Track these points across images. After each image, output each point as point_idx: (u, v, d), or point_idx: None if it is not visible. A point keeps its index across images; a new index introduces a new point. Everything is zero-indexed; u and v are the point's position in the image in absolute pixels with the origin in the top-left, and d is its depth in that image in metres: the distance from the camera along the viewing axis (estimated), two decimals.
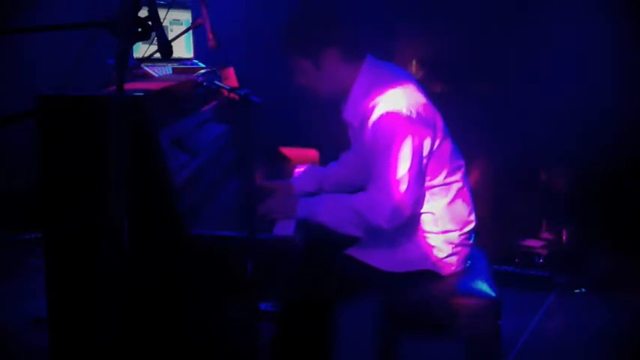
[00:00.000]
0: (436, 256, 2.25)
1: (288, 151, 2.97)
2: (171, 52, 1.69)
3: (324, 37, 2.22)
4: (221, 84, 2.31)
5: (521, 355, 2.95)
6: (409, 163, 2.11)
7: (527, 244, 3.72)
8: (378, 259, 2.24)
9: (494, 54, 3.61)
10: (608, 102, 3.35)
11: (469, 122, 3.33)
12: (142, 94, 1.78)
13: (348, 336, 2.15)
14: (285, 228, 2.11)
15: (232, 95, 2.03)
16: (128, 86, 1.74)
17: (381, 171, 2.14)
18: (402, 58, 3.79)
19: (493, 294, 2.19)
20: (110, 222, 1.59)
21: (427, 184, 2.22)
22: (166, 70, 2.85)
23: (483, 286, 2.22)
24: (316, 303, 2.16)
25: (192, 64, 3.03)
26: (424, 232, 2.25)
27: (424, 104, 2.20)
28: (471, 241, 2.33)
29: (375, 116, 2.14)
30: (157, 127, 1.80)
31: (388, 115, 2.12)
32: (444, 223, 2.25)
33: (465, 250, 2.30)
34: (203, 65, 2.98)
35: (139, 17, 1.52)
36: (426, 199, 2.24)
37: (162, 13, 1.72)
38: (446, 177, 2.24)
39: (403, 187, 2.11)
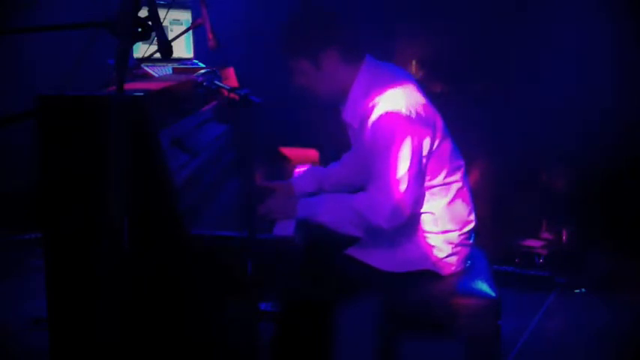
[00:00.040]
0: (436, 256, 2.25)
1: (288, 151, 2.97)
2: (171, 52, 1.69)
3: (324, 37, 2.22)
4: (221, 84, 2.31)
5: (521, 355, 2.95)
6: (409, 163, 2.11)
7: (527, 244, 3.72)
8: (378, 259, 2.24)
9: (494, 54, 3.61)
10: (608, 102, 3.35)
11: (469, 122, 3.33)
12: (142, 94, 1.78)
13: (348, 336, 2.15)
14: (285, 228, 2.11)
15: (232, 95, 2.03)
16: (128, 86, 1.74)
17: (380, 171, 2.14)
18: (402, 58, 3.79)
19: (493, 294, 2.19)
20: (110, 222, 1.59)
21: (427, 184, 2.22)
22: (166, 70, 2.84)
23: (483, 286, 2.22)
24: (316, 303, 2.16)
25: (192, 64, 3.03)
26: (424, 232, 2.25)
27: (424, 104, 2.20)
28: (470, 241, 2.33)
29: (374, 116, 2.14)
30: (157, 127, 1.80)
31: (388, 115, 2.12)
32: (443, 223, 2.25)
33: (465, 250, 2.30)
34: (203, 65, 2.98)
35: (139, 17, 1.52)
36: (426, 199, 2.24)
37: (162, 13, 1.72)
38: (445, 177, 2.24)
39: (403, 186, 2.11)
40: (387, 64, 2.33)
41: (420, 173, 2.17)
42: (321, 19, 2.26)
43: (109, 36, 1.50)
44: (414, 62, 3.82)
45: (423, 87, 2.29)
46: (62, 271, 1.81)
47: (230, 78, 2.89)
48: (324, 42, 2.21)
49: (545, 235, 3.72)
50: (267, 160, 2.87)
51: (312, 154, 2.97)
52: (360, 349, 2.17)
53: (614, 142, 3.41)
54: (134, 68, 2.50)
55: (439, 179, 2.24)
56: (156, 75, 2.75)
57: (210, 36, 2.72)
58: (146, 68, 2.75)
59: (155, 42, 1.65)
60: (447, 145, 2.27)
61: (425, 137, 2.17)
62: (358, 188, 2.28)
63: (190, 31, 3.05)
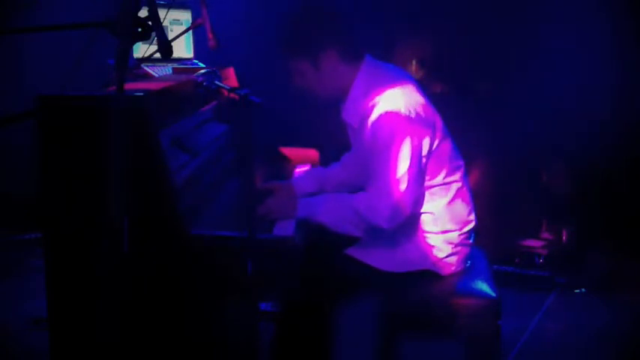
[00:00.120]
0: (436, 256, 2.25)
1: (288, 151, 2.97)
2: (171, 52, 1.69)
3: (323, 37, 2.22)
4: (221, 84, 2.31)
5: (521, 355, 2.95)
6: (408, 163, 2.12)
7: (527, 244, 3.72)
8: (378, 259, 2.24)
9: (494, 54, 3.61)
10: (608, 102, 3.35)
11: (469, 122, 3.33)
12: (142, 94, 1.78)
13: (348, 336, 2.15)
14: (285, 228, 2.11)
15: (232, 95, 2.03)
16: (128, 86, 1.74)
17: (380, 171, 2.14)
18: (402, 58, 3.79)
19: (493, 294, 2.19)
20: (110, 222, 1.59)
21: (426, 183, 2.22)
22: (166, 70, 2.84)
23: (483, 286, 2.22)
24: (316, 303, 2.16)
25: (192, 64, 3.03)
26: (424, 232, 2.25)
27: (423, 104, 2.21)
28: (470, 241, 2.33)
29: (374, 116, 2.14)
30: (157, 127, 1.80)
31: (387, 115, 2.12)
32: (443, 222, 2.25)
33: (465, 250, 2.30)
34: (203, 65, 2.98)
35: (139, 17, 1.52)
36: (426, 199, 2.24)
37: (162, 13, 1.72)
38: (445, 177, 2.25)
39: (403, 186, 2.11)
40: (387, 64, 2.33)
41: (419, 173, 2.17)
42: (320, 19, 2.26)
43: (109, 36, 1.50)
44: (414, 62, 3.82)
45: (423, 87, 2.29)
46: (62, 271, 1.81)
47: (230, 78, 2.89)
48: (323, 42, 2.21)
49: (545, 235, 3.72)
50: (267, 160, 2.87)
51: (312, 154, 2.97)
52: (360, 349, 2.17)
53: (614, 142, 3.41)
54: (134, 68, 2.50)
55: (439, 179, 2.24)
56: (156, 75, 2.75)
57: (210, 36, 2.72)
58: (146, 68, 2.75)
59: (155, 42, 1.65)
60: (447, 145, 2.27)
61: (424, 137, 2.17)
62: (359, 188, 2.28)
63: (190, 31, 3.05)
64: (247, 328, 1.92)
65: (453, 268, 2.28)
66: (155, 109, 1.79)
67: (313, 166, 2.86)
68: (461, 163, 2.32)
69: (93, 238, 1.76)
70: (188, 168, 1.97)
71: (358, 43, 2.29)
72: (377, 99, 2.16)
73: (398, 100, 2.15)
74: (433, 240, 2.25)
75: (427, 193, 2.24)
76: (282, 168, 2.88)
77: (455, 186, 2.27)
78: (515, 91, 3.54)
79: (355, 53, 2.27)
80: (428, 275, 2.25)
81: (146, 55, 2.31)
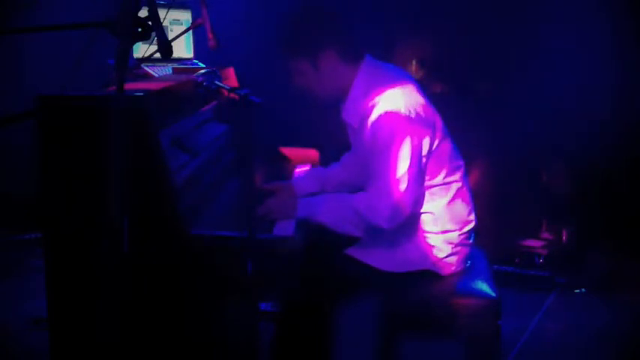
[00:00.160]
0: (436, 256, 2.25)
1: (288, 151, 2.97)
2: (171, 52, 1.69)
3: (323, 37, 2.22)
4: (221, 84, 2.31)
5: (521, 355, 2.95)
6: (408, 163, 2.12)
7: (527, 244, 3.72)
8: (378, 259, 2.24)
9: (495, 54, 3.61)
10: (608, 102, 3.35)
11: (469, 122, 3.33)
12: (142, 94, 1.78)
13: (348, 336, 2.15)
14: (285, 228, 2.11)
15: (232, 95, 2.03)
16: (128, 86, 1.74)
17: (380, 170, 2.14)
18: (402, 58, 3.79)
19: (493, 294, 2.19)
20: (110, 222, 1.59)
21: (426, 183, 2.22)
22: (166, 70, 2.84)
23: (483, 286, 2.22)
24: (316, 303, 2.16)
25: (192, 64, 3.03)
26: (424, 232, 2.25)
27: (423, 104, 2.21)
28: (470, 241, 2.33)
29: (374, 116, 2.14)
30: (157, 127, 1.80)
31: (387, 115, 2.12)
32: (443, 222, 2.25)
33: (465, 250, 2.30)
34: (203, 65, 2.98)
35: (139, 17, 1.52)
36: (426, 199, 2.24)
37: (162, 13, 1.72)
38: (445, 177, 2.25)
39: (403, 186, 2.11)
40: (387, 64, 2.33)
41: (419, 173, 2.17)
42: (320, 19, 2.26)
43: (109, 36, 1.50)
44: (414, 62, 3.82)
45: (423, 87, 2.29)
46: (62, 271, 1.81)
47: (230, 78, 2.89)
48: (323, 42, 2.21)
49: (545, 235, 3.72)
50: (267, 160, 2.87)
51: (312, 154, 2.97)
52: (360, 349, 2.17)
53: (614, 142, 3.41)
54: (134, 68, 2.50)
55: (439, 179, 2.24)
56: (156, 75, 2.75)
57: (210, 36, 2.72)
58: (146, 68, 2.75)
59: (155, 42, 1.65)
60: (447, 145, 2.27)
61: (424, 137, 2.17)
62: (359, 188, 2.28)
63: (190, 31, 3.05)
64: (247, 328, 1.92)
65: (453, 268, 2.28)
66: (155, 109, 1.79)
67: (313, 166, 2.87)
68: (461, 163, 2.32)
69: (93, 238, 1.76)
70: (188, 168, 1.98)
71: (358, 43, 2.29)
72: (377, 99, 2.16)
73: (398, 100, 2.15)
74: (433, 240, 2.25)
75: (427, 193, 2.24)
76: (282, 168, 2.88)
77: (455, 186, 2.27)
78: (515, 91, 3.54)
79: (355, 53, 2.27)
80: (428, 275, 2.25)
81: (146, 55, 2.31)
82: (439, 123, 2.26)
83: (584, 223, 3.61)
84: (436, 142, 2.21)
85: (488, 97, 3.71)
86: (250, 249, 1.82)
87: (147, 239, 1.75)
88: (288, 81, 2.32)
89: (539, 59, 3.49)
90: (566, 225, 3.68)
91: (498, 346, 2.20)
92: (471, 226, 2.31)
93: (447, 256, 2.25)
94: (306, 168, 2.82)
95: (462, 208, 2.28)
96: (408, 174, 2.12)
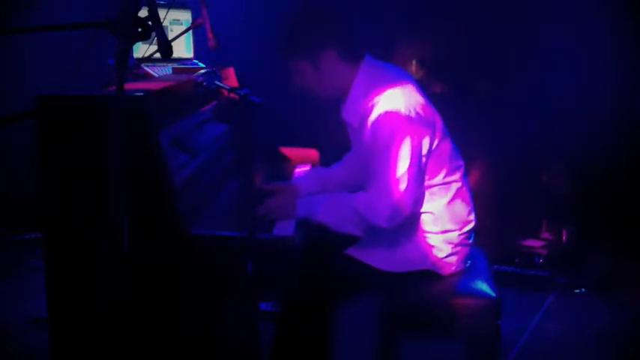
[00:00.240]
0: (436, 256, 2.25)
1: (288, 151, 2.97)
2: (171, 52, 1.69)
3: (323, 38, 2.22)
4: (221, 84, 2.31)
5: (521, 355, 2.95)
6: (408, 162, 2.12)
7: (527, 244, 3.72)
8: (378, 259, 2.24)
9: (495, 54, 3.61)
10: (608, 102, 3.35)
11: (469, 122, 3.33)
12: (142, 94, 1.78)
13: (348, 336, 2.15)
14: (285, 228, 2.11)
15: (232, 95, 2.03)
16: (128, 86, 1.74)
17: (380, 170, 2.14)
18: (402, 58, 3.79)
19: (493, 294, 2.19)
20: (110, 222, 1.59)
21: (426, 183, 2.22)
22: (166, 70, 2.84)
23: (483, 286, 2.22)
24: (316, 303, 2.16)
25: (192, 64, 3.03)
26: (424, 232, 2.25)
27: (423, 104, 2.21)
28: (470, 241, 2.33)
29: (374, 116, 2.14)
30: (157, 127, 1.80)
31: (387, 115, 2.12)
32: (443, 222, 2.25)
33: (465, 250, 2.30)
34: (203, 65, 2.98)
35: (139, 17, 1.52)
36: (426, 198, 2.24)
37: (162, 13, 1.72)
38: (445, 177, 2.25)
39: (402, 186, 2.11)
40: (387, 64, 2.33)
41: (419, 173, 2.17)
42: (320, 19, 2.26)
43: (109, 36, 1.50)
44: (414, 62, 3.82)
45: (423, 87, 2.29)
46: (62, 271, 1.81)
47: (230, 78, 2.89)
48: (323, 42, 2.21)
49: (545, 235, 3.72)
50: (267, 160, 2.87)
51: (312, 154, 2.97)
52: (360, 349, 2.17)
53: (614, 142, 3.41)
54: (134, 68, 2.50)
55: (438, 179, 2.24)
56: (156, 75, 2.75)
57: (210, 36, 2.72)
58: (146, 68, 2.75)
59: (155, 42, 1.65)
60: (447, 144, 2.27)
61: (424, 137, 2.17)
62: (360, 188, 2.28)
63: (190, 31, 3.05)
64: (247, 328, 1.92)
65: (453, 268, 2.28)
66: (155, 109, 1.79)
67: (313, 166, 2.87)
68: (461, 163, 2.32)
69: (93, 238, 1.76)
70: (188, 168, 1.97)
71: (358, 43, 2.29)
72: (377, 99, 2.16)
73: (398, 99, 2.15)
74: (433, 240, 2.25)
75: (427, 193, 2.24)
76: (282, 168, 2.88)
77: (455, 186, 2.27)
78: (515, 91, 3.54)
79: (355, 53, 2.27)
80: (428, 275, 2.25)
81: (146, 55, 2.31)
82: (439, 123, 2.26)
83: (584, 223, 3.61)
84: (436, 142, 2.21)
85: (488, 97, 3.71)
86: (250, 249, 1.82)
87: (147, 239, 1.75)
88: (288, 81, 2.32)
89: (539, 59, 3.49)
90: (566, 225, 3.68)
91: (498, 346, 2.20)
92: (471, 226, 2.31)
93: (447, 256, 2.25)
94: (306, 168, 2.82)
95: (461, 208, 2.28)
96: (408, 174, 2.12)
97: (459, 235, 2.27)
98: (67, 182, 1.77)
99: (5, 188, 3.69)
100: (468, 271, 2.30)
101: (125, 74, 1.50)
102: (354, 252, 2.26)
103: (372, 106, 2.16)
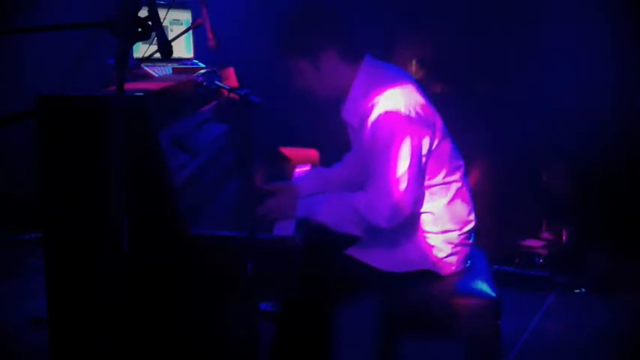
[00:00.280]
0: (436, 256, 2.25)
1: (288, 151, 2.97)
2: (171, 52, 1.69)
3: (323, 37, 2.22)
4: (221, 84, 2.31)
5: (521, 355, 2.95)
6: (408, 162, 2.12)
7: (527, 244, 3.72)
8: (378, 259, 2.24)
9: (495, 54, 3.61)
10: (608, 102, 3.35)
11: (469, 122, 3.34)
12: (142, 94, 1.78)
13: (348, 336, 2.15)
14: (285, 228, 2.11)
15: (232, 95, 2.03)
16: (128, 86, 1.74)
17: (380, 170, 2.14)
18: (402, 58, 3.79)
19: (493, 294, 2.19)
20: (110, 222, 1.59)
21: (426, 183, 2.22)
22: (166, 70, 2.84)
23: (483, 286, 2.22)
24: (316, 303, 2.16)
25: (192, 64, 3.03)
26: (424, 231, 2.25)
27: (423, 104, 2.21)
28: (470, 241, 2.33)
29: (374, 116, 2.14)
30: (157, 127, 1.80)
31: (387, 115, 2.12)
32: (443, 222, 2.25)
33: (465, 250, 2.30)
34: (203, 65, 2.98)
35: (139, 17, 1.52)
36: (426, 198, 2.24)
37: (162, 13, 1.72)
38: (445, 177, 2.25)
39: (402, 185, 2.11)
40: (387, 64, 2.33)
41: (419, 173, 2.17)
42: (320, 19, 2.26)
43: (109, 36, 1.50)
44: (414, 62, 3.82)
45: (423, 87, 2.29)
46: (62, 271, 1.81)
47: (230, 78, 2.89)
48: (323, 42, 2.21)
49: (545, 235, 3.72)
50: (267, 160, 2.87)
51: (312, 154, 2.97)
52: (360, 349, 2.17)
53: (614, 142, 3.41)
54: (134, 68, 2.50)
55: (438, 179, 2.24)
56: (156, 75, 2.75)
57: (210, 36, 2.72)
58: (146, 68, 2.75)
59: (155, 42, 1.65)
60: (447, 144, 2.27)
61: (424, 137, 2.17)
62: (360, 188, 2.28)
63: (190, 31, 3.05)
64: (247, 328, 1.92)
65: (453, 268, 2.28)
66: (155, 109, 1.79)
67: (313, 166, 2.87)
68: (461, 163, 2.32)
69: (93, 238, 1.76)
70: (188, 168, 1.98)
71: (358, 43, 2.29)
72: (377, 99, 2.16)
73: (398, 99, 2.15)
74: (433, 240, 2.25)
75: (427, 193, 2.24)
76: (282, 168, 2.88)
77: (455, 186, 2.27)
78: (515, 91, 3.54)
79: (355, 53, 2.27)
80: (428, 275, 2.25)
81: (146, 55, 2.31)
82: (439, 123, 2.26)
83: (584, 223, 3.61)
84: (436, 142, 2.21)
85: (488, 97, 3.71)
86: (250, 249, 1.82)
87: (147, 239, 1.75)
88: (288, 81, 2.32)
89: (539, 59, 3.49)
90: (566, 225, 3.68)
91: (498, 346, 2.20)
92: (471, 226, 2.31)
93: (447, 256, 2.25)
94: (306, 168, 2.82)
95: (461, 208, 2.28)
96: (408, 174, 2.12)
97: (459, 235, 2.27)
98: (67, 182, 1.77)
99: (5, 188, 3.69)
100: (468, 271, 2.30)
101: (125, 74, 1.50)
102: (354, 252, 2.26)
103: (372, 106, 2.16)
